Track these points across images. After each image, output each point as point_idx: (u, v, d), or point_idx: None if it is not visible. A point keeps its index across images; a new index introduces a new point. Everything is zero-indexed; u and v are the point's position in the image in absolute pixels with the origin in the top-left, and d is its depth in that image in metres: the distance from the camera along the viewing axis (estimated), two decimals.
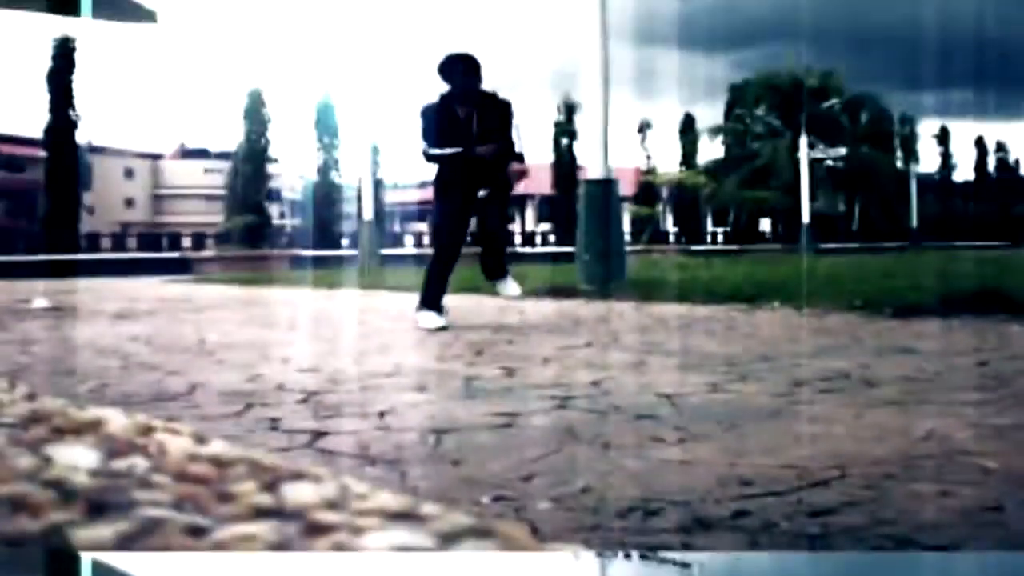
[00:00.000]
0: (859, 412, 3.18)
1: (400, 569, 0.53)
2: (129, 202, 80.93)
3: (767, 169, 49.95)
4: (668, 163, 57.30)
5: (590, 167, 11.25)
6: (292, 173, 74.16)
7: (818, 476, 2.27)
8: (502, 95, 7.32)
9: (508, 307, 8.58)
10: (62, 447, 0.71)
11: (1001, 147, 74.94)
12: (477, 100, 7.14)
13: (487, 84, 7.24)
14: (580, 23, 11.33)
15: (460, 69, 7.11)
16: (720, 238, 55.79)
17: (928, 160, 69.74)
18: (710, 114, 77.69)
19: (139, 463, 0.68)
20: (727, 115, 56.08)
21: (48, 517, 0.57)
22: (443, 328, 6.70)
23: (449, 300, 7.26)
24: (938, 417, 3.05)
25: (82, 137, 39.96)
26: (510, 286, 7.52)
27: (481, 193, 7.21)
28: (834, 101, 52.77)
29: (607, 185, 10.96)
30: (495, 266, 7.50)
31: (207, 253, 35.22)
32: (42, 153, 41.21)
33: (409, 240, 53.66)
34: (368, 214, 24.26)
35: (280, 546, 0.53)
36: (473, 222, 7.41)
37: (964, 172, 75.57)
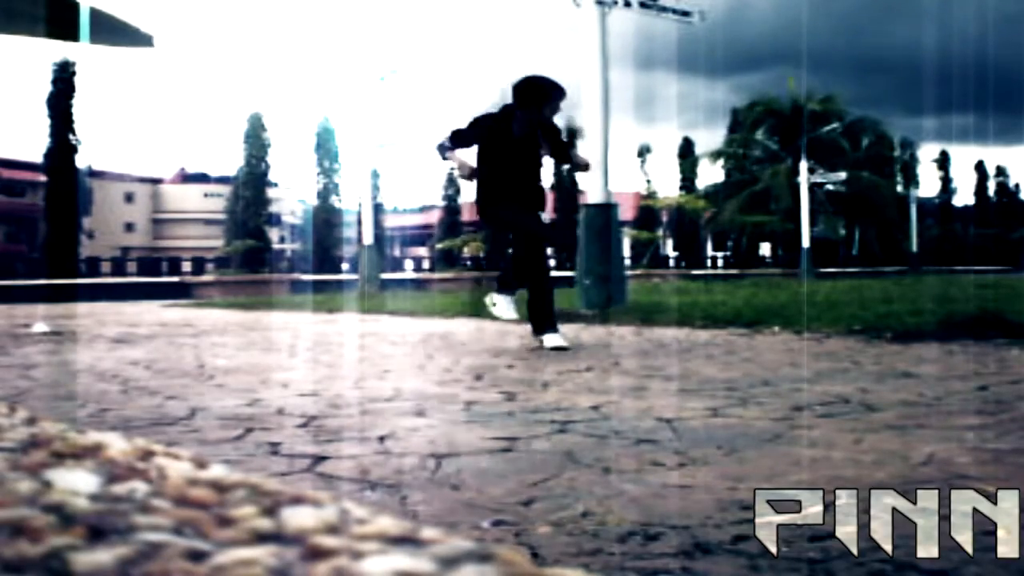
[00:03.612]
0: (859, 436, 3.18)
1: None
2: (129, 226, 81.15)
3: (767, 193, 50.00)
4: (668, 187, 57.43)
5: (590, 191, 11.27)
6: (292, 197, 74.45)
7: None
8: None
9: (508, 331, 8.59)
10: (62, 471, 0.71)
11: (1001, 171, 75.14)
12: (536, 125, 7.22)
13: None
14: (580, 48, 11.38)
15: (534, 92, 7.19)
16: (720, 262, 55.85)
17: (928, 184, 69.97)
18: (710, 138, 77.97)
19: (139, 487, 0.68)
20: (727, 139, 56.16)
21: (48, 542, 0.57)
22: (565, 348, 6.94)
23: (448, 324, 7.27)
24: (938, 441, 3.05)
25: (82, 161, 40.01)
26: (506, 306, 7.51)
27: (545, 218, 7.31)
28: (834, 125, 52.84)
29: (607, 209, 10.98)
30: (517, 278, 7.50)
31: (207, 277, 35.22)
32: (42, 178, 41.29)
33: (409, 264, 53.77)
34: (368, 238, 24.31)
35: (280, 570, 0.53)
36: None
37: (964, 196, 75.80)
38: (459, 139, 7.24)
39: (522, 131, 7.16)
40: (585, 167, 8.02)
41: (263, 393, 4.70)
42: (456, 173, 7.52)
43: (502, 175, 7.20)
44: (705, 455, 2.92)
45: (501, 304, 7.43)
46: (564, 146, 7.51)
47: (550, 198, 50.99)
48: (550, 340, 7.16)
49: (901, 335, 7.25)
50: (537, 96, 7.14)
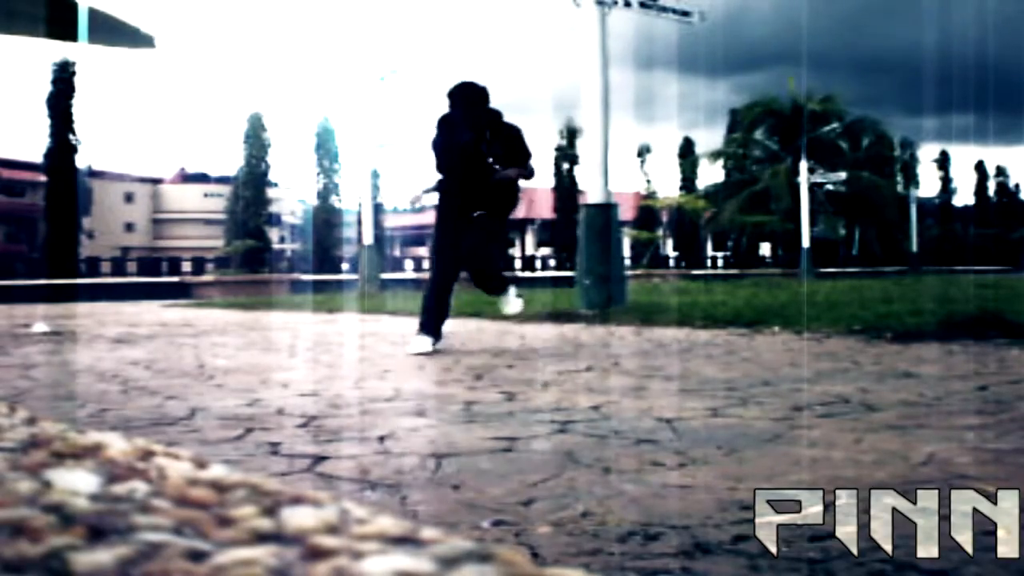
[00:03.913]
0: (859, 436, 3.18)
1: None
2: (129, 226, 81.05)
3: (767, 193, 49.95)
4: (668, 187, 57.47)
5: (590, 191, 11.27)
6: (292, 197, 74.43)
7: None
8: (508, 119, 7.34)
9: (508, 331, 8.59)
10: (62, 471, 0.71)
11: (1001, 171, 75.14)
12: (479, 125, 7.16)
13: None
14: (581, 48, 11.37)
15: (459, 97, 7.18)
16: (720, 262, 55.84)
17: (928, 184, 69.96)
18: (710, 138, 78.00)
19: (139, 487, 0.68)
20: (727, 140, 56.14)
21: (48, 542, 0.57)
22: (428, 353, 6.75)
23: (448, 324, 7.26)
24: (938, 441, 3.04)
25: (82, 161, 40.03)
26: (511, 301, 7.53)
27: (476, 214, 7.20)
28: (834, 125, 52.80)
29: (607, 209, 10.98)
30: (489, 282, 7.52)
31: (207, 277, 35.21)
32: (42, 178, 41.31)
33: (409, 264, 53.74)
34: (368, 238, 24.30)
35: (280, 570, 0.53)
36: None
37: (964, 196, 75.79)
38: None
39: (464, 134, 7.16)
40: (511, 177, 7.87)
41: (263, 393, 4.70)
42: (416, 197, 7.57)
43: (449, 182, 7.30)
44: (705, 455, 2.92)
45: (415, 342, 7.03)
46: (519, 153, 7.41)
47: (549, 198, 51.04)
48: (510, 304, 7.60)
49: (901, 335, 7.25)
50: (463, 97, 7.19)
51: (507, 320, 9.55)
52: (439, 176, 7.39)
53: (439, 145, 7.28)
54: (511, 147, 7.23)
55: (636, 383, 4.88)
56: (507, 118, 7.33)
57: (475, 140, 7.14)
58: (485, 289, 7.63)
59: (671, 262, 52.92)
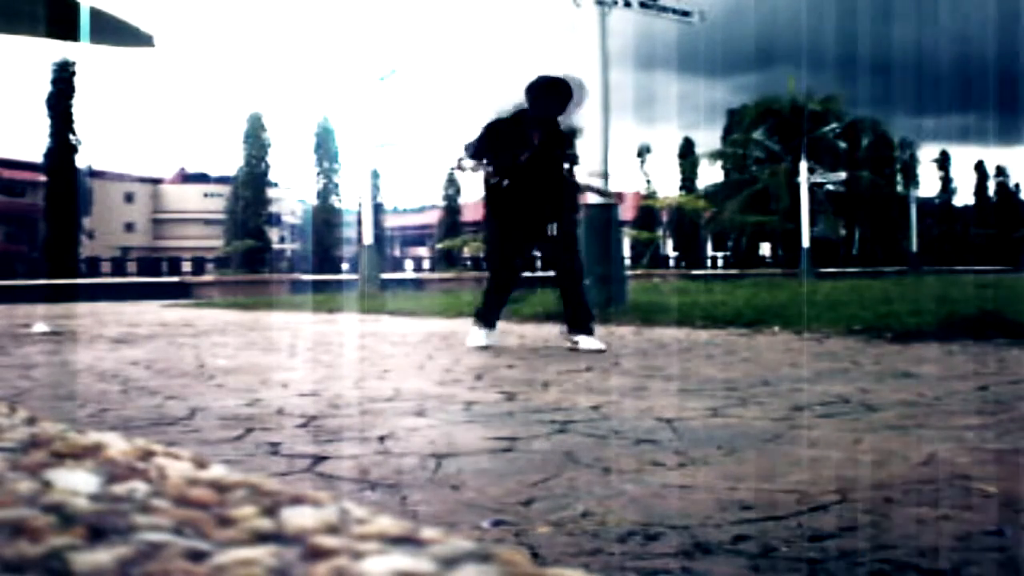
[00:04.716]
0: (859, 436, 3.18)
1: None
2: (129, 226, 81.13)
3: (767, 193, 49.98)
4: (668, 187, 57.53)
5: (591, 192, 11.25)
6: (292, 197, 74.48)
7: (818, 501, 2.27)
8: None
9: (508, 331, 8.58)
10: (62, 471, 0.71)
11: (1001, 171, 75.21)
12: (550, 127, 7.12)
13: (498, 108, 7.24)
14: (580, 48, 11.36)
15: (549, 94, 7.11)
16: (720, 262, 55.88)
17: (928, 184, 70.01)
18: (710, 138, 78.06)
19: (139, 487, 0.68)
20: (726, 140, 56.19)
21: (48, 542, 0.57)
22: (485, 348, 7.02)
23: (448, 325, 7.26)
24: (938, 441, 3.04)
25: (82, 162, 40.03)
26: (592, 341, 6.92)
27: (552, 230, 7.11)
28: (834, 126, 52.86)
29: (607, 210, 10.97)
30: (578, 314, 7.08)
31: (207, 277, 35.19)
32: (42, 178, 41.32)
33: (409, 264, 53.79)
34: (368, 238, 24.28)
35: (280, 570, 0.53)
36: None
37: (964, 196, 75.87)
38: (477, 152, 7.18)
39: (540, 137, 7.10)
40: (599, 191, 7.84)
41: (263, 393, 4.70)
42: (464, 167, 7.33)
43: (518, 185, 7.12)
44: (705, 455, 2.92)
45: (474, 335, 7.29)
46: (571, 160, 7.37)
47: None
48: (585, 342, 6.93)
49: (901, 335, 7.25)
50: (554, 97, 7.11)
51: (507, 320, 9.55)
52: (489, 168, 7.15)
53: (501, 138, 7.14)
54: (568, 152, 7.21)
55: (636, 383, 4.87)
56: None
57: (550, 145, 7.08)
58: (570, 320, 7.09)
59: (671, 262, 52.97)
